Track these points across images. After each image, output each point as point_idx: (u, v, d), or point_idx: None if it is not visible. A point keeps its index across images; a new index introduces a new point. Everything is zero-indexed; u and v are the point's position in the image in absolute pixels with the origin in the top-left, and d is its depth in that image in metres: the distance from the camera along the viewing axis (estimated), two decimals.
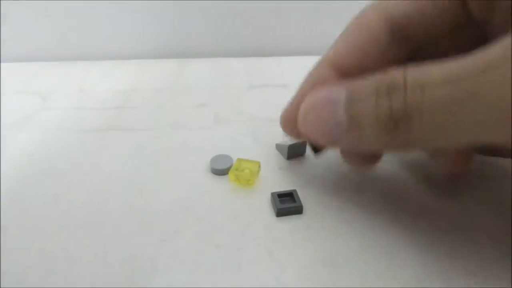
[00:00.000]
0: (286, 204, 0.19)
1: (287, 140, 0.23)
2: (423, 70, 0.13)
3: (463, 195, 0.20)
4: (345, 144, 0.16)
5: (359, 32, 0.18)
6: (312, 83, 0.19)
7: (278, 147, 0.23)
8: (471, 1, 0.16)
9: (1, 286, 0.16)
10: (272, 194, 0.19)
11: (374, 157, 0.19)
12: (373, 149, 0.16)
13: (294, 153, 0.23)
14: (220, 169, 0.21)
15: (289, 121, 0.19)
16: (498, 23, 0.15)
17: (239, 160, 0.21)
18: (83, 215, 0.19)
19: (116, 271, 0.16)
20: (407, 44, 0.17)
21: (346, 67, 0.18)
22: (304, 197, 0.20)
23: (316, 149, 0.21)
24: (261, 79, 0.32)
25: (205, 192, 0.20)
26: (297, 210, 0.19)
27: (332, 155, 0.22)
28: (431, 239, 0.17)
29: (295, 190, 0.20)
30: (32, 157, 0.23)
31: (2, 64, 0.35)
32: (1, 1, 0.35)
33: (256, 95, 0.30)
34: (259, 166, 0.21)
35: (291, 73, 0.33)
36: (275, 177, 0.21)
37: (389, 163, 0.22)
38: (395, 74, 0.14)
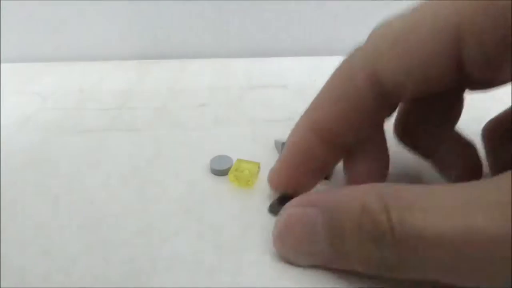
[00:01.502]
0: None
1: (284, 138, 0.23)
2: (409, 217, 0.12)
3: None
4: (333, 266, 0.16)
5: (344, 96, 0.16)
6: (296, 151, 0.18)
7: (276, 143, 0.23)
8: (470, 63, 0.13)
9: (1, 286, 0.16)
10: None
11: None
12: None
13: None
14: (220, 170, 0.21)
15: (277, 183, 0.19)
16: (504, 80, 0.14)
17: (239, 160, 0.21)
18: (83, 215, 0.19)
19: (116, 271, 0.16)
20: (394, 106, 0.17)
21: (327, 132, 0.17)
22: None
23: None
24: (261, 79, 0.32)
25: (205, 192, 0.20)
26: None
27: None
28: None
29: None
30: (32, 157, 0.23)
31: (2, 64, 0.35)
32: (1, 1, 0.35)
33: (256, 95, 0.30)
34: (259, 167, 0.21)
35: (291, 73, 0.33)
36: None
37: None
38: (378, 217, 0.13)
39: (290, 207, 0.16)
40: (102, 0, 0.35)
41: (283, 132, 0.25)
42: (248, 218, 0.19)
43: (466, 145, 0.19)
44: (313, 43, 0.38)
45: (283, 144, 0.22)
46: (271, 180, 0.19)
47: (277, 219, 0.16)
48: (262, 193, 0.20)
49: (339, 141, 0.17)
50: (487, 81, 0.15)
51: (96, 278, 0.16)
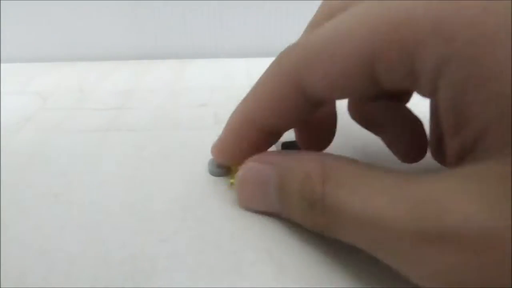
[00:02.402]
0: None
1: (284, 137, 0.23)
2: (339, 191, 0.14)
3: None
4: (281, 216, 0.18)
5: (275, 97, 0.17)
6: (234, 134, 0.19)
7: (276, 143, 0.23)
8: (383, 82, 0.14)
9: (1, 286, 0.16)
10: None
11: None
12: None
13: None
14: (219, 170, 0.21)
15: (222, 153, 0.20)
16: (443, 106, 0.13)
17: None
18: (83, 215, 0.19)
19: (116, 271, 0.16)
20: (321, 104, 0.18)
21: (267, 126, 0.18)
22: None
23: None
24: None
25: (205, 192, 0.20)
26: None
27: None
28: None
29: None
30: (32, 157, 0.23)
31: (2, 64, 0.36)
32: (1, 1, 0.35)
33: None
34: None
35: None
36: None
37: (388, 163, 0.22)
38: (316, 186, 0.15)
39: (249, 161, 0.18)
40: (102, 0, 0.35)
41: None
42: (248, 218, 0.19)
43: (414, 122, 0.20)
44: None
45: (282, 144, 0.22)
46: (214, 154, 0.21)
47: (239, 172, 0.19)
48: None
49: (275, 131, 0.19)
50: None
51: (96, 278, 0.16)
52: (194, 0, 0.35)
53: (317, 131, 0.21)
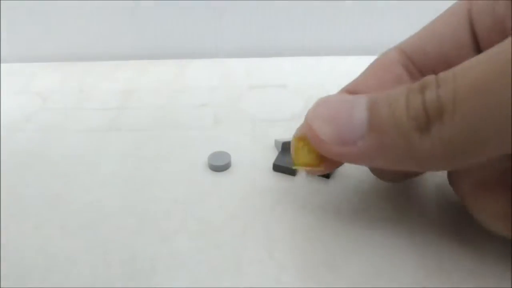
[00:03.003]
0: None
1: (284, 137, 0.23)
2: (455, 67, 0.13)
3: None
4: (357, 152, 0.14)
5: (379, 69, 0.18)
6: None
7: (276, 143, 0.23)
8: (482, 37, 0.16)
9: (1, 286, 0.16)
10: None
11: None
12: (388, 162, 0.14)
13: (289, 151, 0.22)
14: (219, 165, 0.21)
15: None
16: None
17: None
18: (83, 215, 0.19)
19: (116, 271, 0.16)
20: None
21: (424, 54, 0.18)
22: (305, 197, 0.20)
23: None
24: (261, 79, 0.32)
25: (205, 192, 0.20)
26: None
27: None
28: (431, 239, 0.17)
29: None
30: (32, 157, 0.23)
31: (2, 64, 0.35)
32: (1, 1, 0.35)
33: (256, 95, 0.30)
34: None
35: (291, 73, 0.33)
36: (276, 177, 0.21)
37: None
38: (427, 77, 0.13)
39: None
40: (102, 0, 0.35)
41: (283, 132, 0.25)
42: (248, 217, 0.19)
43: None
44: (313, 43, 0.38)
45: (283, 143, 0.22)
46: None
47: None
48: (262, 192, 0.20)
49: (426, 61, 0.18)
50: None
51: (96, 278, 0.16)
52: (194, 0, 0.35)
53: None
